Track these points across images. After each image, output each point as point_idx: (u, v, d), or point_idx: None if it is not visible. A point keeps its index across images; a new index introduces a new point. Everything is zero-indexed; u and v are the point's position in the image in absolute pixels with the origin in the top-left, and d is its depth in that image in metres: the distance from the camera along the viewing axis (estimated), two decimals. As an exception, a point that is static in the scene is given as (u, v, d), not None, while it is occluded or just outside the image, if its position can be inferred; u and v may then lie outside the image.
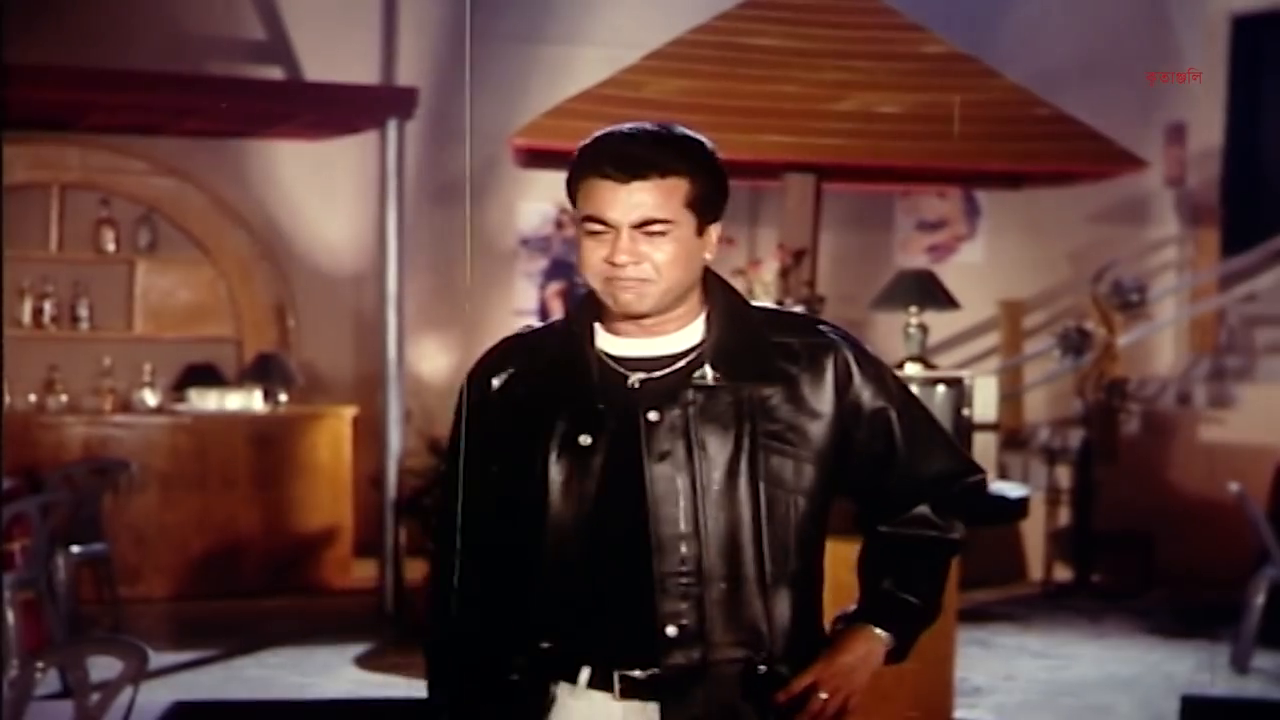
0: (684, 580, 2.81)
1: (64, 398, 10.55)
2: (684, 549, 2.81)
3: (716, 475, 2.82)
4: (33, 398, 10.43)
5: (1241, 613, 8.56)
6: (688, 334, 2.87)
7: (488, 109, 11.24)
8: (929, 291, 9.34)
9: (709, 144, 2.85)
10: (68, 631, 7.86)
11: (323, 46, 11.26)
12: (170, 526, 10.21)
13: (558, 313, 12.06)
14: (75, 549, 8.55)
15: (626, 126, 2.82)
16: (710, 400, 2.83)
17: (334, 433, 10.68)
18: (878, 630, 2.94)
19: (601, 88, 8.52)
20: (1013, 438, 11.68)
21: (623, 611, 2.82)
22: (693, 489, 2.81)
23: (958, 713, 7.01)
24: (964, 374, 7.04)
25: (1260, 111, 12.49)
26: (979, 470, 3.07)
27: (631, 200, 2.76)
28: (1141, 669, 8.74)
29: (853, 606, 2.99)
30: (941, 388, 6.62)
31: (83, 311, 10.89)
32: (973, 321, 12.12)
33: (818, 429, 2.88)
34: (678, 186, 2.78)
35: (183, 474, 10.30)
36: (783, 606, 2.85)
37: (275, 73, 11.27)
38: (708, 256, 2.86)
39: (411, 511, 9.88)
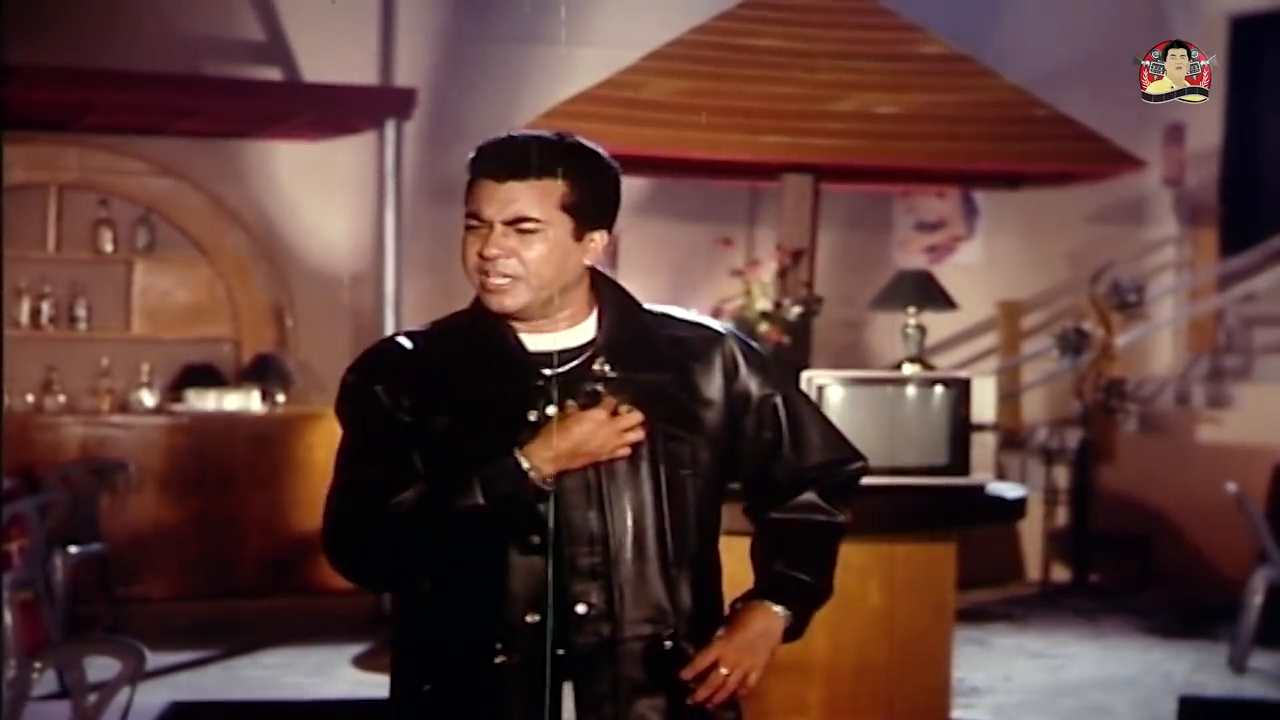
0: (591, 560, 2.93)
1: (62, 398, 10.55)
2: (591, 529, 2.93)
3: (619, 459, 2.94)
4: (30, 398, 10.43)
5: (1239, 613, 8.57)
6: (582, 330, 3.01)
7: (486, 110, 11.25)
8: (927, 292, 9.34)
9: (601, 153, 3.00)
10: (65, 632, 7.86)
11: (321, 47, 11.26)
12: (168, 527, 10.21)
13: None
14: (73, 549, 8.56)
15: (513, 131, 2.98)
16: (608, 390, 2.95)
17: (332, 433, 10.53)
18: (775, 607, 3.03)
19: (600, 88, 8.52)
20: (1011, 438, 11.67)
21: (537, 591, 2.91)
22: (597, 472, 2.93)
23: (955, 713, 7.01)
24: (962, 374, 7.04)
25: (1258, 112, 12.49)
26: (860, 458, 3.20)
27: (505, 198, 2.92)
28: (1139, 669, 8.74)
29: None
30: (940, 388, 6.62)
31: (80, 312, 10.89)
32: (971, 322, 12.12)
33: (710, 415, 3.04)
34: (552, 189, 2.93)
35: (180, 474, 10.30)
36: (685, 585, 2.99)
37: (274, 73, 11.27)
38: (586, 261, 2.99)
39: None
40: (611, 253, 12.41)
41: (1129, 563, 11.02)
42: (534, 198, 2.92)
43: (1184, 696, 7.26)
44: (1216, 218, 12.53)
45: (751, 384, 3.07)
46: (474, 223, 2.95)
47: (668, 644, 2.96)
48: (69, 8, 10.39)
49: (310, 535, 10.43)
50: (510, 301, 2.94)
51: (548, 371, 2.95)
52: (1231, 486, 8.63)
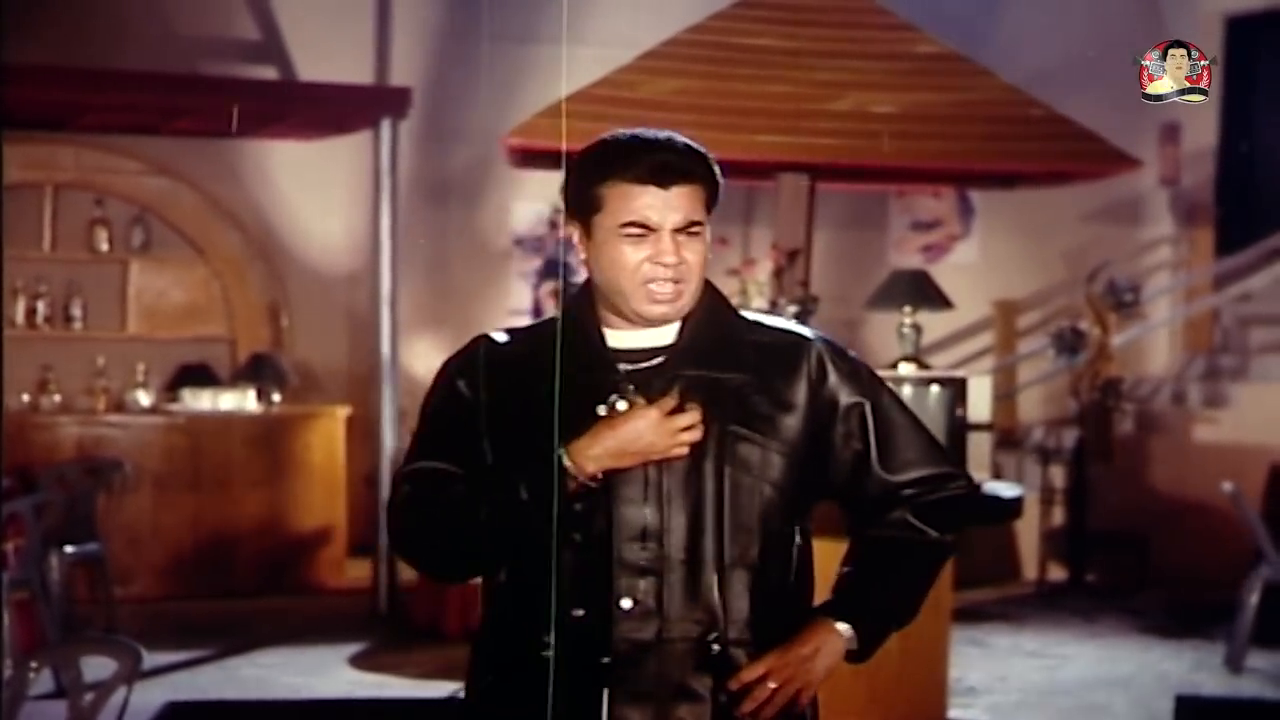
0: (643, 556, 2.89)
1: (57, 397, 10.54)
2: (645, 524, 2.90)
3: (677, 458, 2.90)
4: (26, 397, 10.41)
5: (1236, 612, 8.56)
6: (670, 329, 2.97)
7: (481, 109, 11.24)
8: (923, 291, 9.35)
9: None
10: (61, 631, 7.85)
11: (316, 46, 11.26)
12: (164, 526, 10.20)
13: (552, 312, 12.12)
14: (69, 549, 8.55)
15: (644, 134, 2.95)
16: (682, 388, 2.92)
17: (328, 432, 10.68)
18: (838, 624, 2.97)
19: (596, 88, 8.53)
20: (1007, 437, 11.68)
21: (585, 586, 2.89)
22: (658, 468, 2.90)
23: (952, 712, 7.01)
24: (958, 374, 7.05)
25: (1254, 111, 12.50)
26: (961, 476, 3.09)
27: (673, 204, 2.91)
28: (1136, 669, 8.74)
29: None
30: (936, 387, 6.62)
31: (76, 311, 10.88)
32: (967, 321, 12.12)
33: (790, 421, 2.96)
34: (702, 192, 2.94)
35: (176, 474, 10.29)
36: (741, 589, 2.92)
37: (269, 73, 11.27)
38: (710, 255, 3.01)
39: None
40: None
41: (1125, 562, 11.02)
42: (695, 201, 2.92)
43: (1180, 696, 7.26)
44: (1212, 217, 12.53)
45: (840, 392, 2.99)
46: (636, 231, 2.91)
47: (715, 648, 2.90)
48: (65, 8, 10.39)
49: (306, 534, 10.43)
50: (676, 308, 2.94)
51: (624, 367, 2.94)
52: (1228, 486, 8.63)
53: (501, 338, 3.04)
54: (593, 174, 2.93)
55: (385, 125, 10.09)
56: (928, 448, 3.06)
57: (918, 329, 8.97)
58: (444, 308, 11.60)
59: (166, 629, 9.16)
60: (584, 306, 3.00)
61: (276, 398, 10.75)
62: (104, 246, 10.98)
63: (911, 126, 8.74)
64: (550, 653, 2.89)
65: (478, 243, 11.86)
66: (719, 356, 2.95)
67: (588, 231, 2.95)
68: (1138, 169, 9.90)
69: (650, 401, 2.89)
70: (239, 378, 10.81)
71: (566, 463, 2.86)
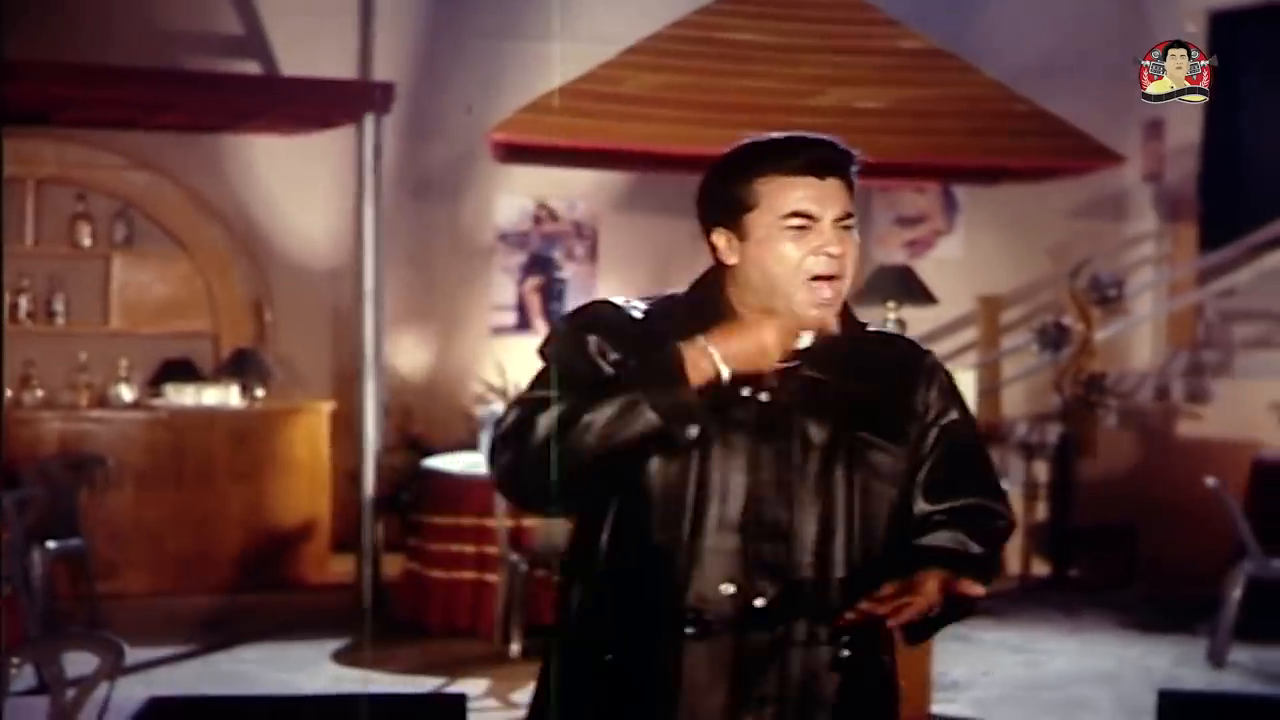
0: (775, 556, 2.87)
1: (40, 393, 10.52)
2: (778, 527, 2.88)
3: (815, 461, 2.90)
4: (8, 393, 10.39)
5: (1218, 607, 8.58)
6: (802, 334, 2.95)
7: (465, 104, 11.22)
8: (907, 286, 9.35)
9: None
10: (43, 627, 7.84)
11: (299, 41, 11.23)
12: (147, 522, 10.18)
13: (536, 308, 12.14)
14: (51, 544, 8.53)
15: (790, 134, 2.98)
16: (816, 392, 2.92)
17: (311, 428, 10.66)
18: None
19: (580, 83, 8.52)
20: (990, 432, 11.66)
21: (711, 581, 2.86)
22: (790, 472, 2.89)
23: (936, 707, 7.02)
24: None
25: (1237, 107, 12.50)
26: (1006, 516, 3.09)
27: (831, 195, 2.91)
28: (1119, 663, 8.75)
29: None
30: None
31: (59, 306, 10.86)
32: (951, 316, 12.12)
33: (911, 428, 2.99)
34: (849, 187, 2.94)
35: (159, 469, 10.27)
36: (862, 593, 2.86)
37: (252, 67, 11.24)
38: None
39: (389, 507, 9.88)
40: (591, 246, 12.42)
41: (1109, 557, 11.03)
42: (848, 194, 2.93)
43: (1163, 690, 7.24)
44: (1196, 212, 12.54)
45: (935, 402, 3.01)
46: (799, 222, 2.89)
47: (845, 653, 2.92)
48: (47, 3, 10.36)
49: (289, 530, 10.42)
50: (833, 312, 2.93)
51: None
52: (1211, 481, 8.64)
53: (625, 306, 2.99)
54: (743, 173, 2.94)
55: (369, 120, 10.07)
56: (990, 482, 3.08)
57: (901, 324, 8.97)
58: (427, 303, 11.58)
59: (149, 624, 9.14)
60: (715, 295, 2.96)
61: (260, 393, 10.74)
62: (86, 241, 10.96)
63: (896, 122, 8.74)
64: (691, 630, 2.85)
65: (461, 238, 11.84)
66: (849, 364, 2.95)
67: (739, 233, 2.93)
68: (1121, 164, 9.91)
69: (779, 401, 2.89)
70: (222, 373, 10.79)
71: (714, 354, 2.82)
